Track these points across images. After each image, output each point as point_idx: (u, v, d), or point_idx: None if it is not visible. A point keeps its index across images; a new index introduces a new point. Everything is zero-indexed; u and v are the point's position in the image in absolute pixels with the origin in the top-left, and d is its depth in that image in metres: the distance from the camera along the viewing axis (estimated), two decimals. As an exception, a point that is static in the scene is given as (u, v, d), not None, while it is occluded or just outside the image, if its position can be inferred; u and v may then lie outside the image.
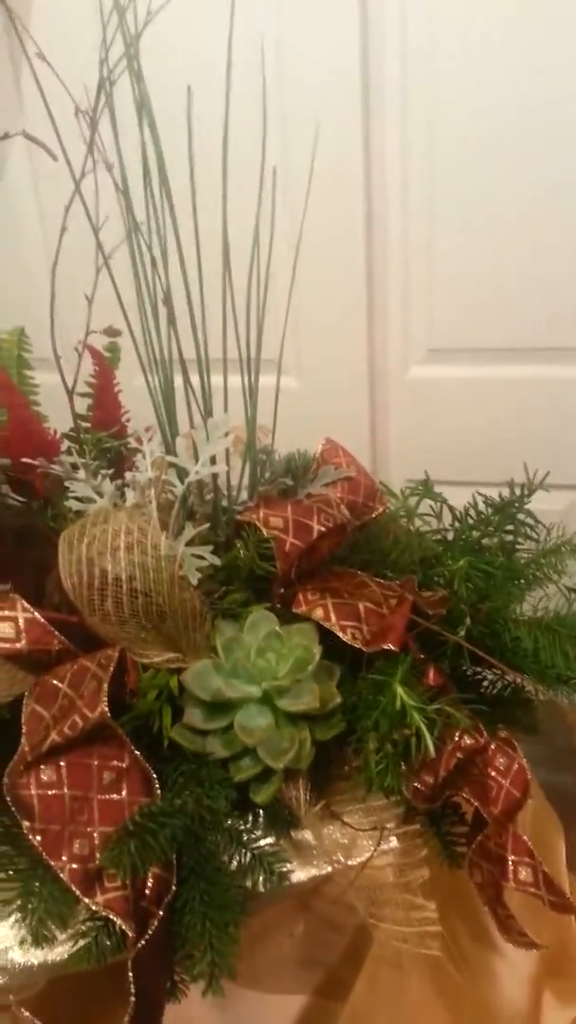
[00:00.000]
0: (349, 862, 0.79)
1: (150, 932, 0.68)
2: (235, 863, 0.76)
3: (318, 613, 0.80)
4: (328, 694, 0.78)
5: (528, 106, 1.32)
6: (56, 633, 0.76)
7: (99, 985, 0.74)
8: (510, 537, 0.90)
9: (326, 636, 0.79)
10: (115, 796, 0.74)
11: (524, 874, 0.75)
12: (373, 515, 0.95)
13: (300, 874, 0.78)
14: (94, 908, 0.69)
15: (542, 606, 0.88)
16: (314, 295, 1.47)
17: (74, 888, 0.69)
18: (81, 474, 0.82)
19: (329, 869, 0.79)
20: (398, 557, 0.89)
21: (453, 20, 1.30)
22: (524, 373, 1.53)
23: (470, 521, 0.91)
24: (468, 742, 0.78)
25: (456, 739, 0.77)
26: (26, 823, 0.71)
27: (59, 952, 0.72)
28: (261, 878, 0.75)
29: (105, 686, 0.72)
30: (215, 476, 0.87)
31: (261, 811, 0.80)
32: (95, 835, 0.72)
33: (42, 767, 0.72)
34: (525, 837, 0.76)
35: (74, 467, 0.82)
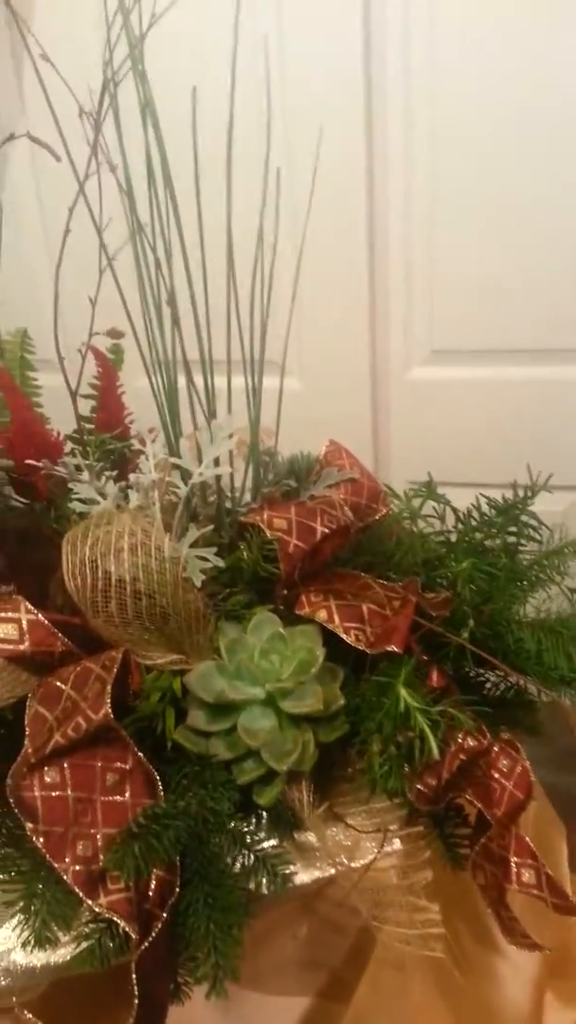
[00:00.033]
0: (352, 864, 0.79)
1: (153, 934, 0.68)
2: (238, 865, 0.76)
3: (321, 615, 0.80)
4: (331, 696, 0.78)
5: (531, 106, 1.32)
6: (59, 635, 0.76)
7: (102, 987, 0.74)
8: (513, 539, 0.90)
9: (329, 638, 0.79)
10: (118, 798, 0.74)
11: (527, 876, 0.75)
12: (376, 517, 0.95)
13: (303, 876, 0.78)
14: (97, 910, 0.69)
15: (545, 608, 0.88)
16: (316, 296, 1.47)
17: (77, 890, 0.69)
18: (85, 476, 0.82)
19: (332, 871, 0.79)
20: (401, 559, 0.89)
21: (455, 20, 1.30)
22: (525, 374, 1.53)
23: (473, 523, 0.91)
24: (471, 744, 0.78)
25: (459, 741, 0.77)
26: (29, 825, 0.70)
27: (62, 954, 0.72)
28: (264, 880, 0.75)
29: (109, 688, 0.72)
30: (219, 478, 0.87)
31: (264, 813, 0.80)
32: (98, 837, 0.72)
33: (45, 769, 0.72)
34: (528, 839, 0.76)
35: (78, 469, 0.82)
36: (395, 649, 0.75)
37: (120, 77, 0.75)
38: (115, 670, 0.74)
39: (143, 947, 0.67)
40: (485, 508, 0.91)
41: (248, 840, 0.77)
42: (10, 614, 0.76)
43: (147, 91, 0.75)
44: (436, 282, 1.49)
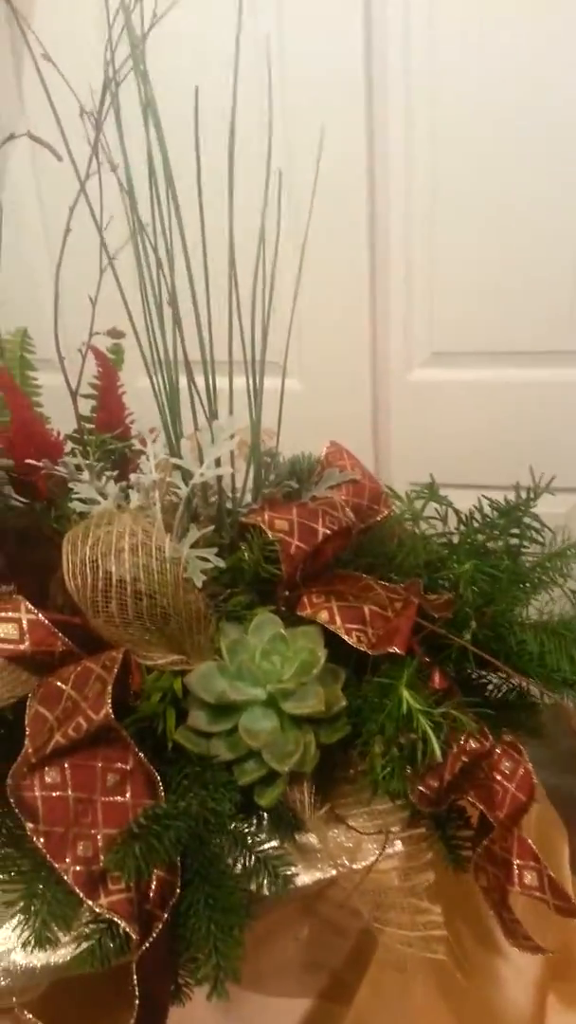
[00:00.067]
0: (354, 866, 0.79)
1: (154, 935, 0.68)
2: (239, 866, 0.76)
3: (323, 616, 0.80)
4: (333, 697, 0.78)
5: (531, 106, 1.32)
6: (60, 635, 0.76)
7: (102, 988, 0.74)
8: (515, 541, 0.89)
9: (331, 639, 0.79)
10: (119, 798, 0.73)
11: (529, 878, 0.75)
12: (378, 518, 0.94)
13: (304, 877, 0.78)
14: (98, 910, 0.69)
15: (547, 610, 0.88)
16: (317, 297, 1.47)
17: (78, 890, 0.69)
18: (85, 476, 0.82)
19: (333, 873, 0.79)
20: (403, 560, 0.89)
21: (456, 20, 1.30)
22: (526, 376, 1.53)
23: (475, 524, 0.91)
24: (473, 746, 0.77)
25: (462, 743, 0.77)
26: (30, 825, 0.70)
27: (62, 954, 0.72)
28: (265, 881, 0.75)
29: (109, 688, 0.72)
30: (220, 478, 0.86)
31: (265, 814, 0.79)
32: (99, 837, 0.71)
33: (46, 769, 0.72)
34: (530, 841, 0.76)
35: (78, 468, 0.82)
36: (397, 651, 0.75)
37: (121, 77, 0.75)
38: (116, 670, 0.74)
39: (144, 948, 0.67)
40: (487, 510, 0.91)
41: (249, 841, 0.77)
42: (10, 614, 0.76)
43: (148, 91, 0.75)
44: (436, 283, 1.49)
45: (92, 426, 0.97)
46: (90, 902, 0.69)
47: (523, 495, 0.91)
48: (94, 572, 0.73)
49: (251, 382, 0.85)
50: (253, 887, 0.75)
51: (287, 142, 1.35)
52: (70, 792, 0.72)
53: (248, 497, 0.90)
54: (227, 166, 0.78)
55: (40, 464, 0.84)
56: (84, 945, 0.70)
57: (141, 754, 0.74)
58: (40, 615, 0.76)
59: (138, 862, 0.67)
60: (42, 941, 0.70)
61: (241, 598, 0.83)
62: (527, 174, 1.37)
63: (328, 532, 0.83)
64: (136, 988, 0.66)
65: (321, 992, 0.87)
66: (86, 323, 0.87)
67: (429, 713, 0.73)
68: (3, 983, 0.73)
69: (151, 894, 0.70)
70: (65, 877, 0.69)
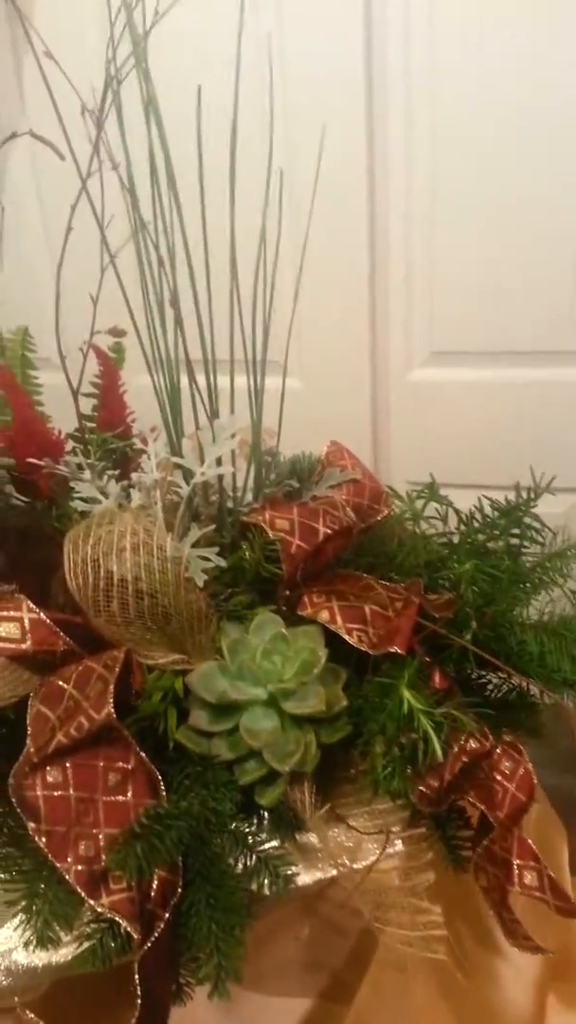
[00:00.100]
0: (354, 865, 0.79)
1: (155, 935, 0.68)
2: (240, 866, 0.76)
3: (324, 616, 0.80)
4: (334, 697, 0.78)
5: (531, 106, 1.32)
6: (61, 634, 0.76)
7: (103, 987, 0.74)
8: (516, 541, 0.90)
9: (332, 639, 0.79)
10: (121, 798, 0.73)
11: (529, 878, 0.75)
12: (378, 518, 0.94)
13: (305, 877, 0.78)
14: (99, 910, 0.69)
15: (548, 610, 0.88)
16: (317, 296, 1.47)
17: (79, 890, 0.69)
18: (86, 475, 0.82)
19: (334, 872, 0.79)
20: (403, 560, 0.89)
21: (456, 20, 1.30)
22: (525, 376, 1.53)
23: (476, 524, 0.91)
24: (474, 746, 0.77)
25: (462, 743, 0.77)
26: (31, 824, 0.70)
27: (64, 954, 0.72)
28: (266, 881, 0.75)
29: (111, 687, 0.72)
30: (220, 477, 0.86)
31: (266, 814, 0.79)
32: (100, 837, 0.71)
33: (48, 768, 0.72)
34: (530, 841, 0.76)
35: (79, 467, 0.82)
36: (398, 650, 0.75)
37: (123, 75, 0.75)
38: (117, 670, 0.74)
39: (145, 947, 0.67)
40: (488, 510, 0.91)
41: (250, 841, 0.77)
42: (12, 613, 0.75)
43: (150, 89, 0.75)
44: (436, 283, 1.49)
45: (93, 425, 0.97)
46: (92, 902, 0.69)
47: (524, 495, 0.91)
48: (95, 571, 0.73)
49: (252, 381, 0.85)
50: (254, 887, 0.75)
51: (287, 141, 1.35)
52: (72, 792, 0.72)
53: (249, 496, 0.90)
54: (228, 165, 0.78)
55: (41, 463, 0.84)
56: (85, 945, 0.70)
57: (142, 754, 0.74)
58: (42, 614, 0.76)
59: (140, 862, 0.67)
60: (44, 941, 0.70)
61: (242, 597, 0.83)
62: (527, 174, 1.37)
63: (329, 531, 0.83)
64: (138, 987, 0.66)
65: (321, 992, 0.87)
66: (87, 322, 0.87)
67: (430, 713, 0.73)
68: (5, 983, 0.73)
69: (152, 894, 0.70)
70: (67, 876, 0.69)
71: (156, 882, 0.71)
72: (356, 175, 1.42)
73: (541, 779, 0.80)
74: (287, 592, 0.84)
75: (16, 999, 0.74)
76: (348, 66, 1.35)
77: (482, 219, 1.42)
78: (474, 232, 1.43)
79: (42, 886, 0.71)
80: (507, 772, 0.79)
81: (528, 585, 0.87)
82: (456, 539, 0.91)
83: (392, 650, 0.75)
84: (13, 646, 0.75)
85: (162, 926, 0.68)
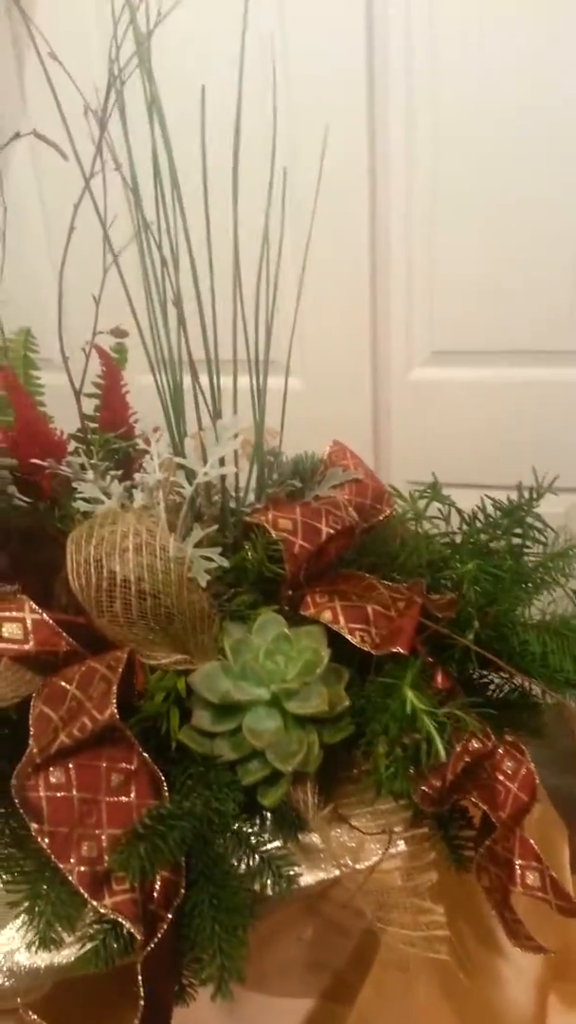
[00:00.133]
0: (357, 866, 0.79)
1: (158, 935, 0.68)
2: (243, 866, 0.76)
3: (326, 616, 0.80)
4: (337, 697, 0.78)
5: (531, 106, 1.33)
6: (64, 634, 0.76)
7: (106, 988, 0.74)
8: (518, 540, 0.90)
9: (335, 639, 0.79)
10: (123, 798, 0.73)
11: (532, 878, 0.75)
12: (380, 518, 0.94)
13: (308, 877, 0.78)
14: (102, 911, 0.69)
15: (550, 610, 0.88)
16: (318, 296, 1.47)
17: (82, 891, 0.69)
18: (89, 475, 0.81)
19: (337, 873, 0.79)
20: (406, 560, 0.89)
21: (456, 20, 1.30)
22: (526, 376, 1.53)
23: (478, 524, 0.91)
24: (476, 746, 0.77)
25: (464, 743, 0.77)
26: (34, 825, 0.70)
27: (66, 955, 0.72)
28: (269, 881, 0.75)
29: (114, 688, 0.72)
30: (223, 478, 0.86)
31: (269, 814, 0.79)
32: (103, 837, 0.71)
33: (51, 769, 0.72)
34: (532, 841, 0.76)
35: (82, 468, 0.82)
36: (401, 650, 0.75)
37: (126, 75, 0.75)
38: (120, 670, 0.74)
39: (148, 948, 0.67)
40: (490, 509, 0.91)
41: (253, 841, 0.77)
42: (15, 613, 0.75)
43: (153, 89, 0.75)
44: (437, 282, 1.49)
45: (96, 425, 0.97)
46: (94, 902, 0.69)
47: (526, 495, 0.91)
48: (98, 572, 0.73)
49: (255, 381, 0.85)
50: (257, 887, 0.75)
51: (289, 141, 1.34)
52: (74, 792, 0.72)
53: (252, 496, 0.90)
54: (230, 164, 0.78)
55: (44, 463, 0.83)
56: (88, 946, 0.70)
57: (145, 754, 0.74)
58: (44, 615, 0.75)
59: (142, 862, 0.67)
60: (46, 942, 0.70)
61: (245, 598, 0.83)
62: (527, 174, 1.37)
63: (332, 531, 0.83)
64: (140, 988, 0.66)
65: (324, 992, 0.87)
66: (89, 322, 0.87)
67: (433, 713, 0.73)
68: (7, 984, 0.73)
69: (155, 894, 0.70)
70: (69, 877, 0.69)
71: (159, 883, 0.70)
72: (358, 175, 1.42)
73: (541, 779, 0.80)
74: (290, 592, 0.84)
75: (19, 1000, 0.74)
76: (350, 66, 1.35)
77: (482, 219, 1.42)
78: (474, 232, 1.44)
79: (45, 887, 0.71)
80: (509, 772, 0.79)
81: (530, 585, 0.87)
82: (458, 539, 0.91)
83: (395, 650, 0.75)
84: (16, 647, 0.75)
85: (165, 927, 0.68)
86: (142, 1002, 0.65)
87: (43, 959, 0.72)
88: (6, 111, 1.45)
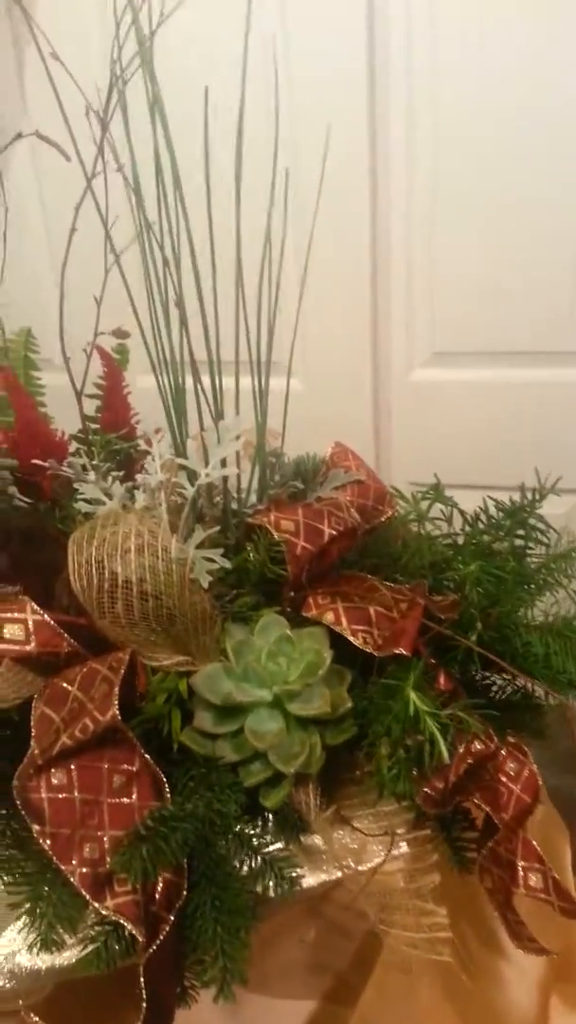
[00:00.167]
0: (359, 867, 0.78)
1: (161, 937, 0.68)
2: (245, 868, 0.75)
3: (329, 617, 0.79)
4: (339, 699, 0.78)
5: (531, 106, 1.33)
6: (65, 635, 0.76)
7: (107, 990, 0.74)
8: (520, 542, 0.89)
9: (337, 640, 0.79)
10: (125, 800, 0.73)
11: (534, 880, 0.75)
12: (382, 519, 0.94)
13: (310, 879, 0.78)
14: (104, 912, 0.69)
15: (553, 611, 0.87)
16: (319, 297, 1.47)
17: (84, 892, 0.69)
18: (90, 476, 0.81)
19: (339, 874, 0.78)
20: (408, 561, 0.89)
21: (457, 21, 1.30)
22: (527, 376, 1.53)
23: (481, 525, 0.91)
24: (479, 747, 0.77)
25: (467, 744, 0.77)
26: (36, 827, 0.70)
27: (67, 956, 0.72)
28: (271, 883, 0.75)
29: (116, 689, 0.72)
30: (225, 479, 0.86)
31: (271, 816, 0.79)
32: (105, 839, 0.71)
33: (52, 770, 0.72)
34: (535, 843, 0.76)
35: (84, 469, 0.82)
36: (403, 652, 0.75)
37: (128, 76, 0.75)
38: (122, 671, 0.74)
39: (150, 950, 0.67)
40: (492, 511, 0.91)
41: (255, 843, 0.77)
42: (16, 615, 0.75)
43: (156, 90, 0.74)
44: (437, 283, 1.49)
45: (97, 426, 0.97)
46: (96, 904, 0.69)
47: (528, 496, 0.91)
48: (100, 573, 0.73)
49: (256, 382, 0.85)
50: (259, 889, 0.75)
51: (291, 142, 1.34)
52: (76, 794, 0.72)
53: (253, 498, 0.90)
54: (233, 165, 0.77)
55: (45, 464, 0.83)
56: (90, 947, 0.70)
57: (147, 755, 0.74)
58: (46, 616, 0.75)
59: (144, 864, 0.67)
60: (48, 943, 0.70)
61: (247, 599, 0.83)
62: (527, 174, 1.37)
63: (334, 533, 0.83)
64: (143, 990, 0.65)
65: (326, 994, 0.87)
66: (91, 323, 0.87)
67: (436, 715, 0.73)
68: (9, 985, 0.72)
69: (157, 896, 0.70)
70: (71, 879, 0.69)
71: (161, 884, 0.70)
72: (359, 175, 1.42)
73: (543, 780, 0.80)
74: (292, 593, 0.84)
75: (20, 1002, 0.74)
76: (351, 67, 1.35)
77: (482, 219, 1.42)
78: (475, 232, 1.44)
79: (46, 888, 0.71)
80: (512, 774, 0.79)
81: (533, 586, 0.87)
82: (460, 540, 0.91)
83: (397, 651, 0.75)
84: (17, 648, 0.74)
85: (167, 928, 0.68)
86: (144, 1004, 0.65)
87: (44, 961, 0.72)
88: (7, 111, 1.45)
